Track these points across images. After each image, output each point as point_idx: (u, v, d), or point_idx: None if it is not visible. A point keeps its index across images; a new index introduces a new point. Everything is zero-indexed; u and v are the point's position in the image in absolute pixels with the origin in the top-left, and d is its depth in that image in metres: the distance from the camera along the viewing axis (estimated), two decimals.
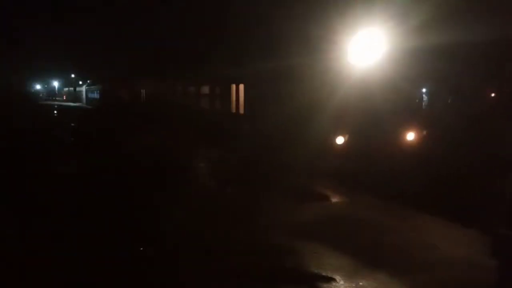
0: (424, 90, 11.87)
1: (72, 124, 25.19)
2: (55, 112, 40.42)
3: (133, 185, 9.12)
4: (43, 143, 15.22)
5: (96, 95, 50.80)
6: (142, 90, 25.70)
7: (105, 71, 40.68)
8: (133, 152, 13.08)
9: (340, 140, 10.28)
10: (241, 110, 13.54)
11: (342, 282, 4.90)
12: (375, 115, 10.31)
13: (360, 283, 4.86)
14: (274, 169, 10.94)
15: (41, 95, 77.42)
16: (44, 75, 72.33)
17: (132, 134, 18.32)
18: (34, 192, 8.47)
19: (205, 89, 16.53)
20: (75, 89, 68.41)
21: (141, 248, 5.87)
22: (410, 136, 11.11)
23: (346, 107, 10.20)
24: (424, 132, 11.30)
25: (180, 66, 19.31)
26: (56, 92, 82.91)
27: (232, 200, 8.58)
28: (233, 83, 13.88)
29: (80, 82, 68.64)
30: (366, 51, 10.18)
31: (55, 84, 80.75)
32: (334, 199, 8.99)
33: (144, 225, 6.76)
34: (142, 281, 5.02)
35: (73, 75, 69.37)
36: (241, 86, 13.39)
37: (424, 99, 11.86)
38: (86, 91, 59.79)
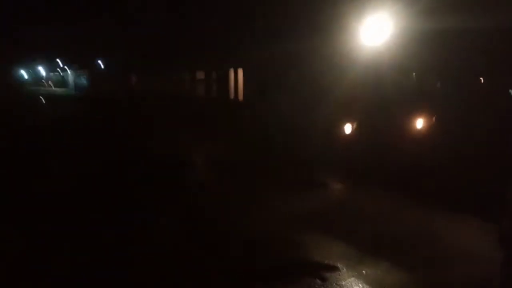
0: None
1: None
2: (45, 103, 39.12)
3: (124, 182, 8.70)
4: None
5: (84, 81, 49.61)
6: (132, 76, 24.86)
7: (92, 54, 39.43)
8: (123, 145, 12.44)
9: (348, 128, 9.77)
10: (240, 97, 12.92)
11: (345, 270, 4.93)
12: (383, 102, 9.83)
13: (364, 272, 4.89)
14: (276, 159, 10.42)
15: (27, 82, 75.54)
16: (30, 61, 70.33)
17: (120, 124, 17.65)
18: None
19: (200, 75, 15.83)
20: (61, 75, 66.80)
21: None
22: (419, 123, 10.64)
23: (354, 94, 9.69)
24: (433, 119, 10.83)
25: (172, 49, 18.51)
26: (42, 78, 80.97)
27: (231, 192, 8.28)
28: (232, 67, 13.23)
29: (66, 67, 66.93)
30: (375, 34, 9.63)
31: (41, 70, 78.71)
32: (338, 189, 8.73)
33: (141, 221, 6.58)
34: (144, 278, 4.88)
35: (58, 60, 67.62)
36: (240, 71, 12.76)
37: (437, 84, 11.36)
38: (74, 76, 58.31)
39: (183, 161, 10.98)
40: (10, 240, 5.83)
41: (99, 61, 47.21)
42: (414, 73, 10.32)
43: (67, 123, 19.17)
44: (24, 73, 77.48)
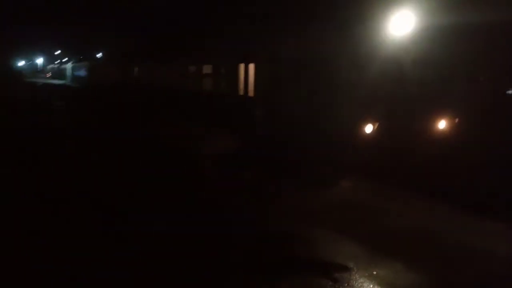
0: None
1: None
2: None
3: (126, 183, 8.25)
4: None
5: (82, 73, 48.89)
6: (135, 69, 24.21)
7: (94, 47, 38.82)
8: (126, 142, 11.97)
9: (369, 128, 9.22)
10: (251, 93, 12.34)
11: (356, 270, 4.82)
12: (407, 100, 9.31)
13: (374, 272, 4.79)
14: (291, 159, 9.90)
15: (24, 72, 74.75)
16: (28, 51, 69.69)
17: (124, 119, 17.18)
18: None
19: (207, 69, 15.20)
20: (59, 66, 66.13)
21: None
22: (442, 124, 10.11)
23: (376, 91, 9.13)
24: (456, 120, 10.30)
25: (179, 42, 17.87)
26: (40, 69, 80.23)
27: (243, 190, 8.05)
28: (242, 62, 12.62)
29: (64, 60, 66.31)
30: (400, 28, 9.08)
31: (39, 61, 78.01)
32: (354, 189, 8.35)
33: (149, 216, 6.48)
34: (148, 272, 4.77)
35: (57, 52, 66.95)
36: (251, 66, 12.16)
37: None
38: (72, 68, 57.61)
39: (189, 153, 10.49)
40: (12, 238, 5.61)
41: (99, 54, 46.58)
42: (439, 71, 9.75)
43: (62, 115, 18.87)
44: (22, 64, 76.80)
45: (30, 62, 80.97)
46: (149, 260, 4.98)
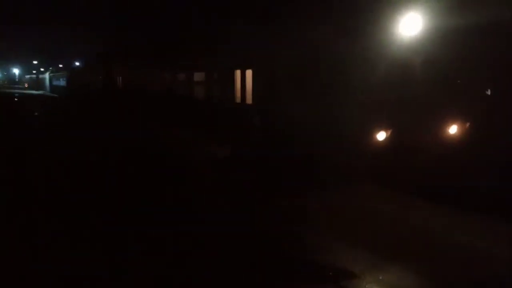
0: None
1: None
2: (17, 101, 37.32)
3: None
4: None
5: (61, 82, 47.74)
6: (118, 78, 23.32)
7: (74, 55, 37.79)
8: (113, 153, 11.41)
9: (381, 135, 8.67)
10: (249, 101, 11.69)
11: (361, 276, 4.69)
12: (418, 105, 8.82)
13: (380, 277, 4.70)
14: (294, 166, 9.33)
15: (0, 82, 72.70)
16: (3, 61, 67.93)
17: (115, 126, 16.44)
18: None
19: (198, 76, 14.50)
20: (37, 76, 64.52)
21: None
22: (453, 129, 9.65)
23: (387, 96, 8.61)
24: (467, 125, 9.85)
25: (167, 46, 17.10)
26: (17, 79, 78.19)
27: (243, 201, 7.66)
28: (239, 68, 11.97)
29: (42, 69, 64.79)
30: (409, 28, 8.59)
31: (15, 71, 76.12)
32: (362, 196, 7.88)
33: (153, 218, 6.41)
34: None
35: (35, 62, 65.30)
36: (249, 72, 11.52)
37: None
38: (50, 78, 56.31)
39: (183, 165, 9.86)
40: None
41: (78, 62, 45.41)
42: (449, 73, 9.31)
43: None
44: None
45: (6, 73, 78.90)
46: (148, 261, 4.94)
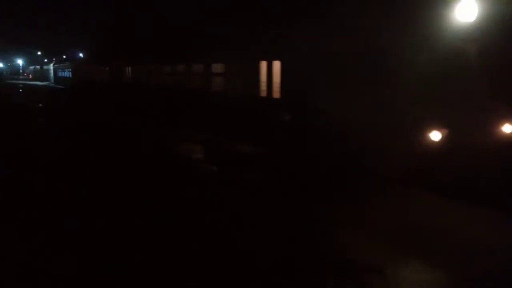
0: None
1: None
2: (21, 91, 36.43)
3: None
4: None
5: (66, 74, 46.88)
6: (127, 69, 22.33)
7: (78, 46, 36.87)
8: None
9: (435, 135, 7.69)
10: (276, 95, 10.71)
11: (386, 272, 4.46)
12: (475, 100, 7.82)
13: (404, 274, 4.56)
14: (330, 167, 8.40)
15: (4, 73, 71.91)
16: (7, 52, 67.14)
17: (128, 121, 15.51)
18: None
19: (218, 67, 13.48)
20: (41, 67, 63.70)
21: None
22: (508, 128, 8.66)
23: (442, 91, 7.61)
24: None
25: (180, 34, 16.03)
26: (21, 70, 77.36)
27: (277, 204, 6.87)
28: (265, 59, 10.96)
29: (46, 60, 64.00)
30: (468, 13, 7.57)
31: (19, 62, 75.28)
32: (411, 201, 6.95)
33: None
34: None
35: (39, 53, 64.42)
36: (276, 64, 10.52)
37: None
38: (55, 69, 55.45)
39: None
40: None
41: (83, 53, 44.51)
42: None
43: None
44: (0, 65, 74.25)
45: (10, 64, 78.13)
46: (160, 261, 4.71)
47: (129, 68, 21.98)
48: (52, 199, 6.90)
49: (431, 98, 7.55)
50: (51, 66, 59.10)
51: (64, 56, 54.06)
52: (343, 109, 8.58)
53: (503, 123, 8.63)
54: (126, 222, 5.87)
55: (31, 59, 69.26)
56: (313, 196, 7.14)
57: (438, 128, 7.67)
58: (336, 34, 8.69)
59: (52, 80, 56.26)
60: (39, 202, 6.75)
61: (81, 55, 47.84)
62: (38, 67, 67.72)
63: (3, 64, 73.52)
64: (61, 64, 52.03)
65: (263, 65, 10.97)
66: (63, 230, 5.58)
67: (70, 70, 44.23)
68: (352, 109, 8.43)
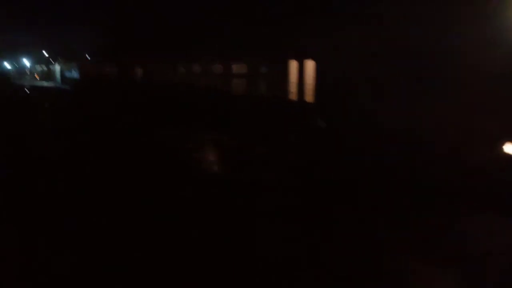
0: None
1: None
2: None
3: None
4: None
5: (73, 74, 46.06)
6: (138, 70, 21.33)
7: (85, 46, 35.99)
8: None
9: (510, 148, 6.62)
10: (309, 98, 9.65)
11: None
12: None
13: None
14: (377, 183, 7.33)
15: (11, 73, 71.43)
16: (14, 55, 66.74)
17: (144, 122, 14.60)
18: None
19: (238, 68, 12.45)
20: (48, 68, 63.07)
21: None
22: None
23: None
24: None
25: (200, 31, 14.93)
26: (28, 71, 76.85)
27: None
28: (294, 58, 9.91)
29: (52, 61, 63.34)
30: None
31: (26, 62, 74.76)
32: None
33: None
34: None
35: (45, 53, 63.73)
36: (310, 63, 9.46)
37: None
38: (62, 69, 54.67)
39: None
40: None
41: (90, 53, 43.69)
42: None
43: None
44: (7, 65, 73.91)
45: (17, 66, 77.79)
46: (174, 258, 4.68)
47: (140, 70, 21.02)
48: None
49: (502, 105, 6.49)
50: (57, 67, 58.36)
51: (71, 57, 53.36)
52: (393, 116, 7.51)
53: None
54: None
55: (37, 60, 68.77)
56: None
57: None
58: (383, 31, 7.62)
59: (59, 81, 55.54)
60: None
61: (87, 55, 47.07)
62: (45, 66, 67.09)
63: (11, 66, 73.11)
64: (67, 64, 51.27)
65: (293, 65, 9.93)
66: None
67: (77, 71, 43.43)
68: (405, 118, 7.37)
